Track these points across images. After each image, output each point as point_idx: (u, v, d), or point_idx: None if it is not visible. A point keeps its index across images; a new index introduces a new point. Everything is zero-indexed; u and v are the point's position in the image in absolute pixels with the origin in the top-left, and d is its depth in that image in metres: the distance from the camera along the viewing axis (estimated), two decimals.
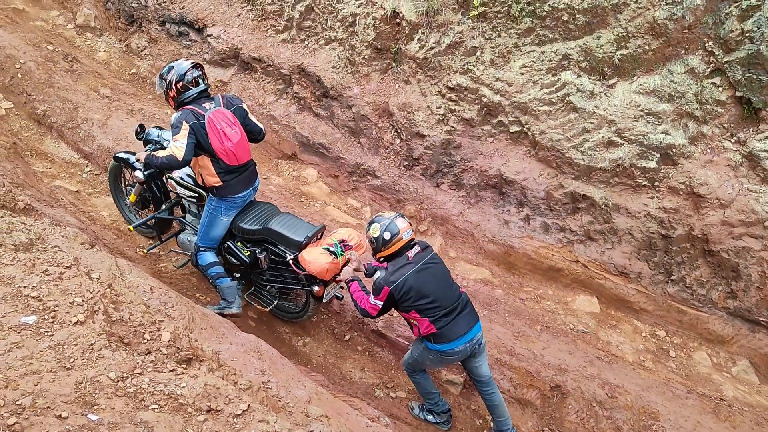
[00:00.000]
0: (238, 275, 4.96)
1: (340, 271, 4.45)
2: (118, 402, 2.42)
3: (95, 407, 2.35)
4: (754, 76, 5.00)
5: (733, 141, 5.30)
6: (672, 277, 5.72)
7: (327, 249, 4.40)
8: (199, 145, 4.23)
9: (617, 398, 4.91)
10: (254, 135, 4.65)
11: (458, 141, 6.37)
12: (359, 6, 6.74)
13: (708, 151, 5.38)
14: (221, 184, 4.44)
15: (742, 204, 5.23)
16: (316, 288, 4.56)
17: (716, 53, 5.14)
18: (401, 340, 5.25)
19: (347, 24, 6.87)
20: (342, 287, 4.84)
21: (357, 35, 6.80)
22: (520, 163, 6.12)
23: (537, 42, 5.84)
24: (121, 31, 8.73)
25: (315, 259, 4.33)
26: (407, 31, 6.45)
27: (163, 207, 5.17)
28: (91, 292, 3.03)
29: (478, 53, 6.10)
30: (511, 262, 6.28)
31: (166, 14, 8.23)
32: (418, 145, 6.55)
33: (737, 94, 5.14)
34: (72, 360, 2.57)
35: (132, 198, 5.25)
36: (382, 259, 4.19)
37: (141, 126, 4.94)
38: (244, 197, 4.65)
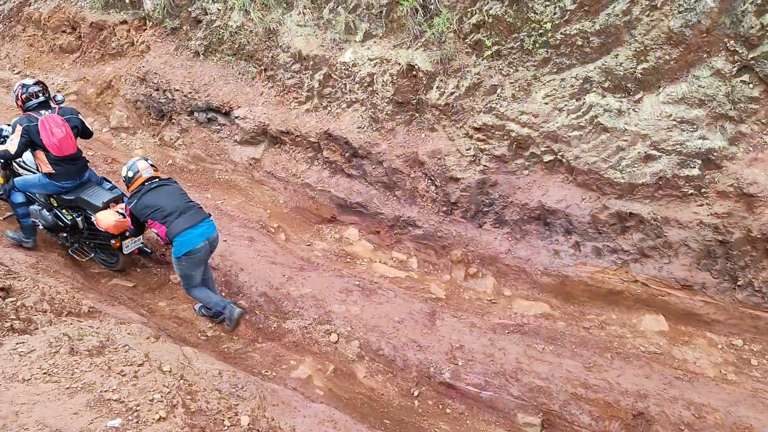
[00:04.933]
0: (65, 234, 6.29)
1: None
2: None
3: None
4: None
5: None
6: (738, 283, 5.53)
7: (118, 211, 5.72)
8: (32, 142, 5.60)
9: (706, 417, 4.70)
10: (87, 136, 6.20)
11: (493, 179, 6.38)
12: (375, 65, 6.93)
13: (750, 149, 5.27)
14: (53, 171, 5.78)
15: None
16: (112, 241, 5.83)
17: (740, 51, 5.10)
18: (471, 388, 5.17)
19: (365, 84, 7.05)
20: (144, 243, 6.28)
21: (377, 93, 6.96)
22: (559, 191, 6.08)
23: (555, 70, 5.89)
24: (153, 126, 9.11)
25: (104, 218, 5.63)
26: (425, 81, 6.59)
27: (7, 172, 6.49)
28: (167, 387, 3.08)
29: (498, 91, 6.18)
30: (569, 291, 6.17)
31: (193, 104, 8.57)
32: (454, 188, 6.59)
33: None
34: None
35: (0, 180, 6.49)
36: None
37: None
38: (68, 185, 5.93)
